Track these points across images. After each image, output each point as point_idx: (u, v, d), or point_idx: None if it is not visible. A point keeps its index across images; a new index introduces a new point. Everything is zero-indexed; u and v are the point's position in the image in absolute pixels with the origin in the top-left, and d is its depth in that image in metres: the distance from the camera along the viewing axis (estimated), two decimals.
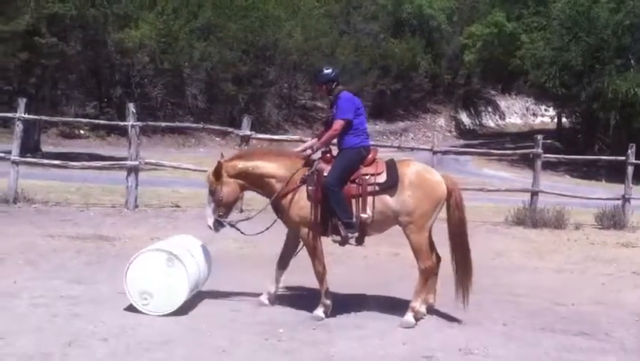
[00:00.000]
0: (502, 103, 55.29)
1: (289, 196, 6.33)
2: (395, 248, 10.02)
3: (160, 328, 5.72)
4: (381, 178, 6.30)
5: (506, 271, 9.03)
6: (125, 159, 12.59)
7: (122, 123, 13.49)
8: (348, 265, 8.80)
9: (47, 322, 5.69)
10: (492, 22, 40.92)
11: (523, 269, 9.32)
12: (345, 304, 6.74)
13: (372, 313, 6.51)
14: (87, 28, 27.26)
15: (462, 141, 43.65)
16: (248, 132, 12.63)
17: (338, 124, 6.44)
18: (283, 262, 6.72)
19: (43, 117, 15.53)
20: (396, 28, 46.50)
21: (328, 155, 6.52)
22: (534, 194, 13.70)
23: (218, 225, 6.44)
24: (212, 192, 6.42)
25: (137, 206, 12.06)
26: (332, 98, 6.66)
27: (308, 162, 6.52)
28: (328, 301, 6.40)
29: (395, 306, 6.75)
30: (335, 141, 6.66)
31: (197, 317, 6.09)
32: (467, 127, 49.81)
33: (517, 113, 55.76)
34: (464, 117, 50.57)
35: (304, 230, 6.37)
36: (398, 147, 17.31)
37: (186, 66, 32.98)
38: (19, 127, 12.17)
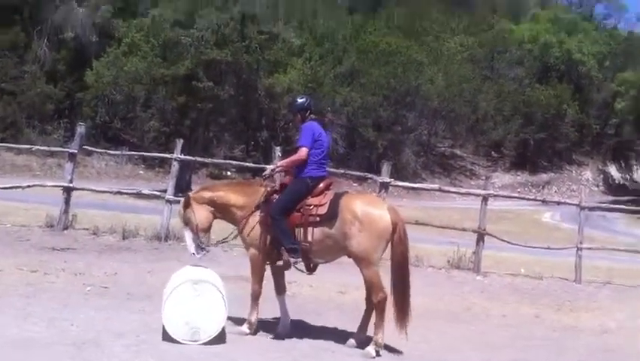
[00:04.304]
0: None
1: (244, 220, 6.89)
2: (537, 309, 9.68)
3: None
4: (323, 210, 6.60)
5: None
6: None
7: (267, 166, 13.92)
8: (486, 323, 8.57)
9: (190, 360, 5.91)
10: None
11: None
12: None
13: None
14: (240, 73, 28.82)
15: (610, 197, 41.15)
16: (387, 179, 12.62)
17: (303, 151, 6.79)
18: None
19: (198, 158, 16.32)
20: (543, 73, 45.10)
21: (283, 184, 6.98)
22: None
23: (200, 250, 6.98)
24: (187, 222, 7.03)
25: None
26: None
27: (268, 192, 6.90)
28: (253, 320, 6.85)
29: None
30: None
31: None
32: (616, 182, 46.97)
33: None
34: (613, 171, 47.72)
35: (252, 251, 6.86)
36: (543, 201, 16.80)
37: (329, 111, 33.84)
38: (174, 167, 12.64)
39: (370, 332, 6.70)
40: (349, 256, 6.68)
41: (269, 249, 6.79)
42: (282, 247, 6.67)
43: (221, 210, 7.07)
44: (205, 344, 6.33)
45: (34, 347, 5.81)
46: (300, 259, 6.70)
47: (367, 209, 6.57)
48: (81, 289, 8.28)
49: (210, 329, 6.41)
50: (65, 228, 12.08)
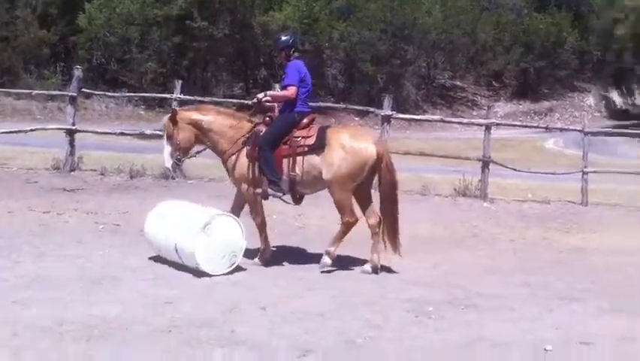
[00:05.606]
0: None
1: (234, 157, 7.04)
2: (544, 232, 9.77)
3: (312, 300, 5.91)
4: (310, 141, 6.86)
5: None
6: None
7: (268, 104, 13.88)
8: (494, 248, 8.67)
9: (209, 289, 6.03)
10: None
11: None
12: (493, 287, 6.68)
13: (522, 298, 6.37)
14: (235, 11, 28.37)
15: (613, 122, 41.05)
16: (389, 112, 12.61)
17: (292, 90, 6.96)
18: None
19: (197, 98, 16.30)
20: (541, 2, 44.38)
21: (267, 119, 7.11)
22: None
23: (175, 167, 7.20)
24: (170, 137, 7.06)
25: None
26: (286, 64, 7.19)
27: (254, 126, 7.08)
28: (267, 250, 7.12)
29: (547, 290, 6.61)
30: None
31: (346, 291, 6.24)
32: (619, 107, 46.79)
33: None
34: (615, 96, 47.47)
35: (244, 186, 7.05)
36: (546, 128, 16.77)
37: (326, 47, 33.41)
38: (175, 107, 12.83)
39: (384, 256, 6.88)
40: (324, 182, 6.89)
41: (256, 179, 6.96)
42: (265, 178, 6.90)
43: (205, 136, 7.12)
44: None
45: (52, 284, 5.89)
46: (280, 193, 6.97)
47: (353, 140, 6.85)
48: (94, 227, 8.37)
49: (240, 244, 6.65)
50: (72, 169, 12.14)
